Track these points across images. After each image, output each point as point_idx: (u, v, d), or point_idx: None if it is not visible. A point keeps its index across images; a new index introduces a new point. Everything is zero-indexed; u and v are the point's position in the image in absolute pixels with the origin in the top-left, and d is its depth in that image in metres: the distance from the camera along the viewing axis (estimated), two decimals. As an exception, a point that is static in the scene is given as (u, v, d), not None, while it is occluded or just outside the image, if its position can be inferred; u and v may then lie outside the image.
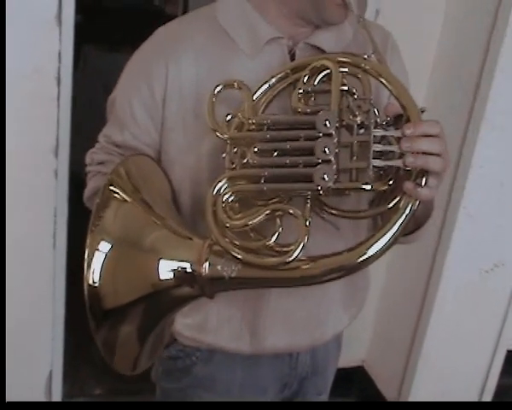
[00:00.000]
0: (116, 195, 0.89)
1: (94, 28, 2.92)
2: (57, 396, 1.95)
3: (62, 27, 1.58)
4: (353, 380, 2.22)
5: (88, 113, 2.77)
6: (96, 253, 0.85)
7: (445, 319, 1.98)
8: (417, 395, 2.06)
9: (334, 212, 0.88)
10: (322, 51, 0.96)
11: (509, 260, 1.98)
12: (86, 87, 2.90)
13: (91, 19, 2.82)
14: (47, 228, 1.76)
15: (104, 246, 0.86)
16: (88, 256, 0.84)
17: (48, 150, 1.68)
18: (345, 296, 1.09)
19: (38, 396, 1.93)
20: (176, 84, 0.96)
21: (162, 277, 0.88)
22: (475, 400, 2.19)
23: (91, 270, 0.84)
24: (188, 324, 1.06)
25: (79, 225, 1.50)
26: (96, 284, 0.84)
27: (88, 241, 0.85)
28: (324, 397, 1.23)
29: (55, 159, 1.69)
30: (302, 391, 1.16)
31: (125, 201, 0.91)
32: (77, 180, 1.82)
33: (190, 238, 0.91)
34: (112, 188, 0.89)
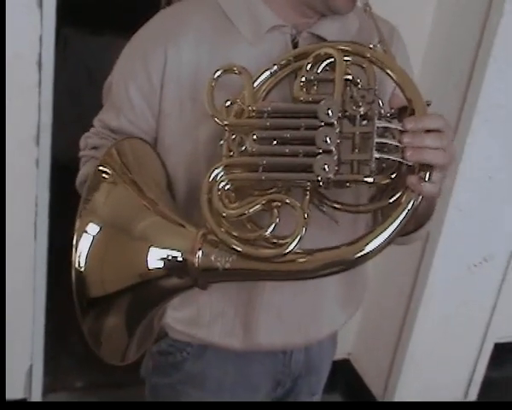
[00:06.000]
0: (107, 177, 0.86)
1: (74, 10, 2.84)
2: (37, 391, 1.91)
3: (43, 10, 1.53)
4: (339, 373, 2.20)
5: (68, 99, 2.71)
6: (84, 235, 0.81)
7: (433, 312, 1.98)
8: (404, 388, 2.06)
9: (333, 205, 0.85)
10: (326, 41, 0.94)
11: (498, 254, 1.99)
12: (66, 72, 2.82)
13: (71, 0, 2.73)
14: (28, 218, 1.72)
15: (92, 228, 0.82)
16: (76, 240, 0.81)
17: (29, 139, 1.64)
18: (342, 294, 1.06)
19: (18, 391, 1.88)
20: (174, 70, 0.94)
21: (152, 266, 0.85)
22: (462, 393, 2.20)
23: (78, 253, 0.81)
24: (180, 317, 1.03)
25: (61, 216, 1.46)
26: (82, 269, 0.81)
27: (76, 225, 0.81)
28: (317, 397, 1.21)
29: (37, 147, 1.65)
30: (296, 390, 1.14)
31: (116, 183, 0.87)
32: (58, 169, 1.79)
33: (183, 226, 0.88)
34: (103, 169, 0.86)
